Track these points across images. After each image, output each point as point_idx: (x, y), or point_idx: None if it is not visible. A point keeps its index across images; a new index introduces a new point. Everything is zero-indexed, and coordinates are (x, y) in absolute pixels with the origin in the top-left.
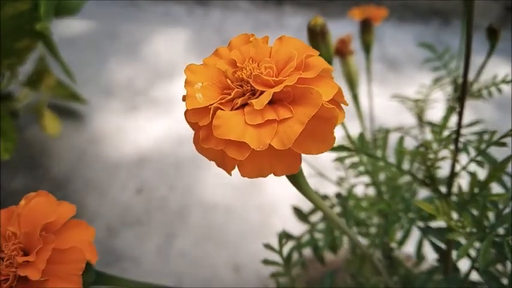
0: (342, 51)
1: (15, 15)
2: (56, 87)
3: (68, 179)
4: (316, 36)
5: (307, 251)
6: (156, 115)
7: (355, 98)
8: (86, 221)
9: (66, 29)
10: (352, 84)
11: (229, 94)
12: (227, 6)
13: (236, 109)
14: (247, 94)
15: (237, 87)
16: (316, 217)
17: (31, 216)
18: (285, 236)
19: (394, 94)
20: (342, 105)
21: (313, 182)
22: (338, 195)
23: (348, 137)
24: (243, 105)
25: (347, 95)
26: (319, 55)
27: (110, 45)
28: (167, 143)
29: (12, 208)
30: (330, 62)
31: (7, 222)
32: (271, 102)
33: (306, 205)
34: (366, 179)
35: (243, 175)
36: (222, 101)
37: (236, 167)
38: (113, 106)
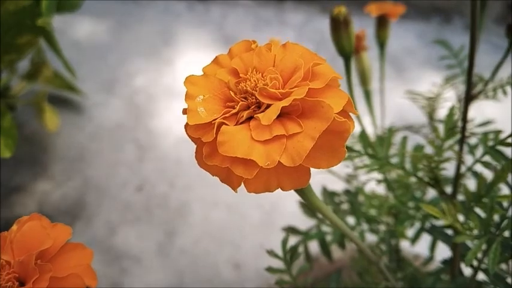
0: (356, 47)
1: (17, 10)
2: (53, 79)
3: (68, 177)
4: (339, 26)
5: (312, 250)
6: (156, 112)
7: (367, 94)
8: (82, 243)
9: (68, 25)
10: (364, 81)
11: (233, 107)
12: (228, 3)
13: (241, 123)
14: (252, 107)
15: (241, 100)
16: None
17: (25, 242)
18: (290, 231)
19: (407, 91)
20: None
21: (321, 178)
22: (347, 192)
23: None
24: (248, 119)
25: (358, 92)
26: (342, 45)
27: (110, 41)
28: (167, 140)
29: (4, 234)
30: (351, 52)
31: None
32: (278, 116)
33: None
34: (376, 175)
35: (249, 191)
36: (226, 115)
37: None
38: (113, 103)
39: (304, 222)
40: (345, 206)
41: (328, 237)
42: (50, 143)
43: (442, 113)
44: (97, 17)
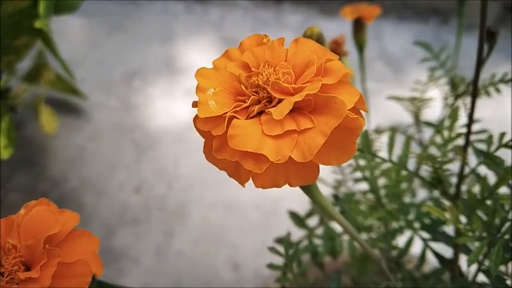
0: (336, 53)
1: (15, 12)
2: (55, 82)
3: (66, 178)
4: None
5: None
6: (154, 113)
7: None
8: (89, 231)
9: (65, 26)
10: None
11: (244, 101)
12: (226, 4)
13: (251, 118)
14: (263, 101)
15: (253, 94)
16: (313, 221)
17: (32, 226)
18: (283, 243)
19: (389, 95)
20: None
21: None
22: (335, 197)
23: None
24: (259, 113)
25: None
26: None
27: (108, 42)
28: (166, 141)
29: (11, 218)
30: None
31: (6, 233)
32: (290, 111)
33: (304, 207)
34: (364, 185)
35: (257, 186)
36: (237, 108)
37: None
38: (111, 104)
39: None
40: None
41: (320, 249)
42: (48, 144)
43: (427, 112)
44: (95, 18)
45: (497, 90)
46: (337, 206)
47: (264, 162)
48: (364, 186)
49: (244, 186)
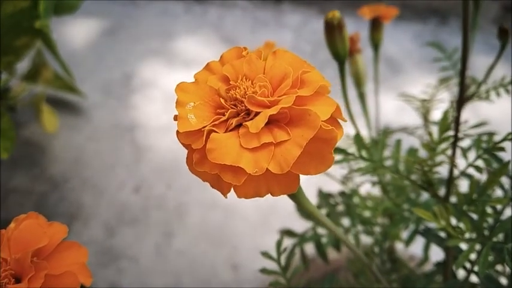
0: (350, 50)
1: (15, 12)
2: (53, 80)
3: (65, 178)
4: (333, 30)
5: (309, 251)
6: (153, 113)
7: (361, 96)
8: (78, 242)
9: (66, 26)
10: (359, 83)
11: (223, 114)
12: (225, 5)
13: (230, 130)
14: (242, 114)
15: (231, 107)
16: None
17: (21, 240)
18: (286, 234)
19: (400, 93)
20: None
21: (316, 180)
22: (342, 194)
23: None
24: (238, 126)
25: (353, 94)
26: (336, 49)
27: (108, 42)
28: (165, 141)
29: (2, 232)
30: (345, 55)
31: None
32: (267, 123)
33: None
34: (371, 177)
35: (239, 196)
36: (216, 122)
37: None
38: (111, 104)
39: (302, 223)
40: (341, 208)
41: (324, 239)
42: (48, 144)
43: (436, 114)
44: (95, 19)
45: (507, 91)
46: (343, 203)
47: (242, 175)
48: (371, 179)
49: (226, 197)
